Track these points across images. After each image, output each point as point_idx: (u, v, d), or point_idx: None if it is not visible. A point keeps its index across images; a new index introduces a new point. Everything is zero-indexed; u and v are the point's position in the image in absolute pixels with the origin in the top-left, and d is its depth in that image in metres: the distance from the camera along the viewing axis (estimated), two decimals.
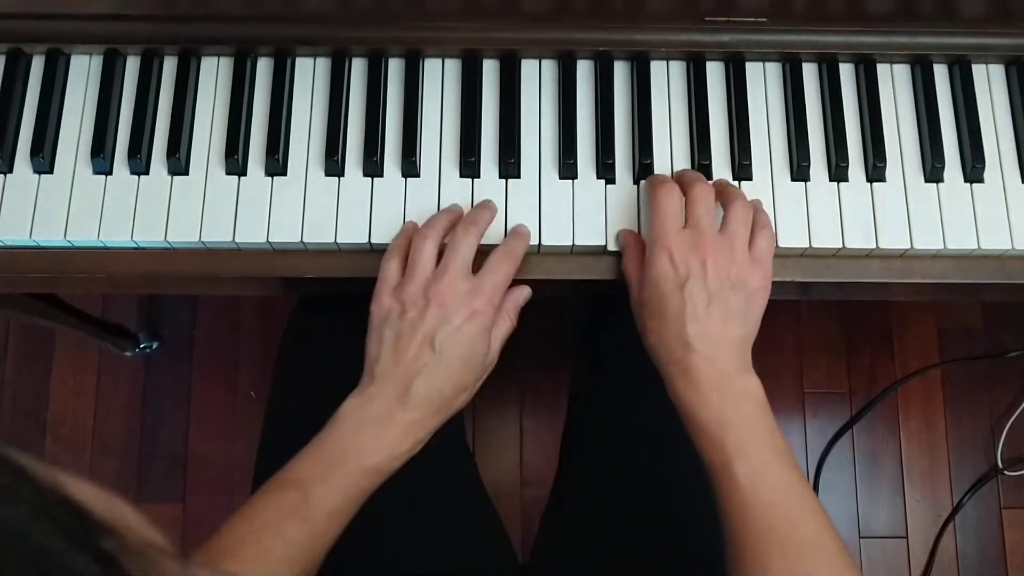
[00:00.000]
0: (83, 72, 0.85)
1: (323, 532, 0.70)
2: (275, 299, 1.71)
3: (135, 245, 0.81)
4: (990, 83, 0.86)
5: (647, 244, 0.75)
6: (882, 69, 0.86)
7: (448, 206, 0.81)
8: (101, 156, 0.82)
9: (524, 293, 0.80)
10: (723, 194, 0.77)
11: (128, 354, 1.68)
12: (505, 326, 0.78)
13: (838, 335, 1.71)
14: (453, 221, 0.79)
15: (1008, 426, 1.63)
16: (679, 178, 0.79)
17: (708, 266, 0.72)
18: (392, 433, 0.72)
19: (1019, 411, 1.64)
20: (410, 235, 0.78)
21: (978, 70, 0.86)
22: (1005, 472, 1.62)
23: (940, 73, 0.86)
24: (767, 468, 0.68)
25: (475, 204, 0.81)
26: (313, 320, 1.02)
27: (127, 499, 0.36)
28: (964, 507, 1.62)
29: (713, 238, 0.73)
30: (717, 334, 0.71)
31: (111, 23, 0.84)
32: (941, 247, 0.81)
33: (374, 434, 0.71)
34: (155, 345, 1.70)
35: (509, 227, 0.81)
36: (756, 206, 0.78)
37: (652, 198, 0.76)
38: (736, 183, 0.83)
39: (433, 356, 0.72)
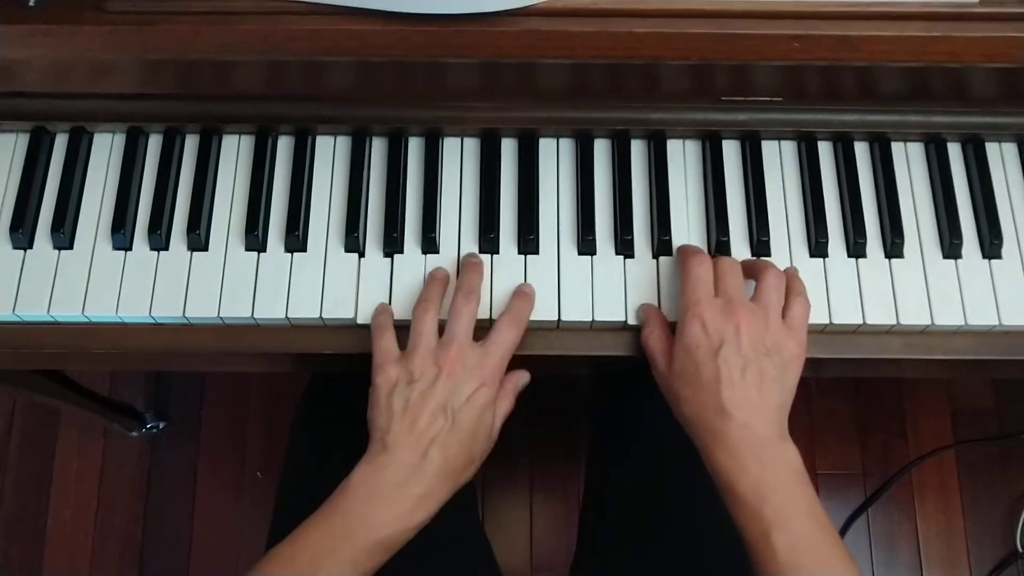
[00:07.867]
0: (105, 149, 0.86)
1: None
2: (283, 379, 1.70)
3: (152, 320, 0.81)
4: (1004, 161, 0.86)
5: (680, 312, 0.75)
6: (897, 147, 0.87)
7: (432, 271, 0.81)
8: (121, 232, 0.82)
9: (524, 377, 0.80)
10: (754, 267, 0.78)
11: (134, 434, 1.66)
12: (505, 405, 0.78)
13: (849, 416, 1.69)
14: (445, 289, 0.79)
15: None
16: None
17: (742, 332, 0.72)
18: (404, 504, 0.70)
19: None
20: (390, 314, 0.79)
21: (991, 148, 0.87)
22: None
23: (954, 151, 0.87)
24: (808, 540, 0.67)
25: (462, 263, 0.81)
26: (326, 400, 1.00)
27: None
28: None
29: (745, 305, 0.73)
30: (753, 401, 0.70)
31: (134, 102, 0.85)
32: (962, 323, 0.80)
33: (386, 505, 0.70)
34: (161, 425, 1.68)
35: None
36: (791, 274, 0.79)
37: (683, 266, 0.76)
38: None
39: (447, 424, 0.72)
